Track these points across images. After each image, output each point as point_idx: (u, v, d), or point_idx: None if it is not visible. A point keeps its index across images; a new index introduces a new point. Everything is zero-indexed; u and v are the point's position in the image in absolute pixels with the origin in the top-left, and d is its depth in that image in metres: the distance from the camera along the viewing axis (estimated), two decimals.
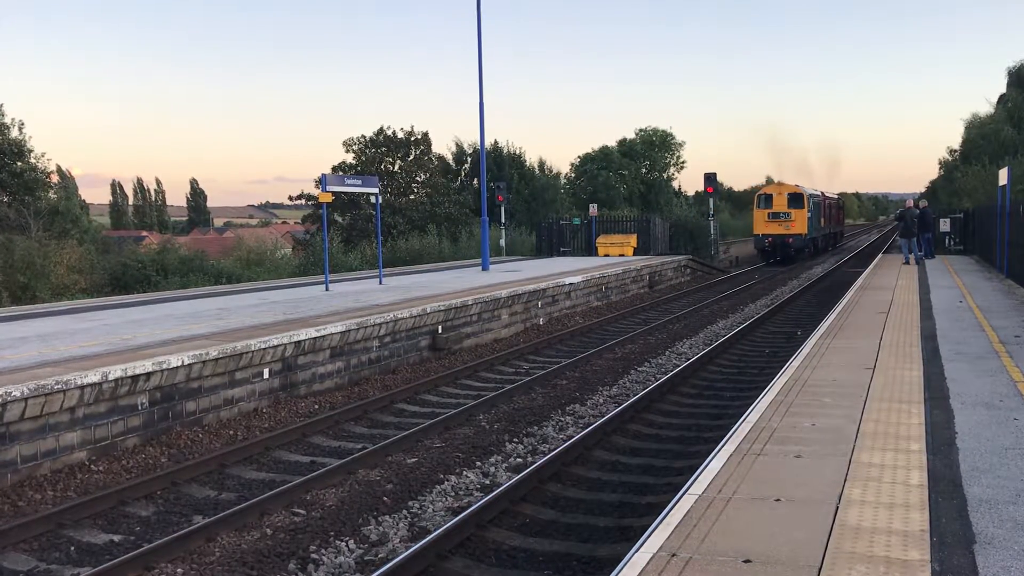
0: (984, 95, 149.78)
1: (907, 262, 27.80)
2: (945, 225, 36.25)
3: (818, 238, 45.69)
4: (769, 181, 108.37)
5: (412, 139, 48.56)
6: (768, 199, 41.91)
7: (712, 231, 40.73)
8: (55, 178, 39.65)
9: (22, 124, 31.93)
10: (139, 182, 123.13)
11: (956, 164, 59.95)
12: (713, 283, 32.38)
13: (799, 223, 41.18)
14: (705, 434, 10.59)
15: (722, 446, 6.95)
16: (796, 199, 41.42)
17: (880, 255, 36.79)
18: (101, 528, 7.90)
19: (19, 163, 30.87)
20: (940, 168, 71.45)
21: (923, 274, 24.09)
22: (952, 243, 35.98)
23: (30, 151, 31.49)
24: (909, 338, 12.44)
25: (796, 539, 4.90)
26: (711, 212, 41.09)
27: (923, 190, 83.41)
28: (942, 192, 64.26)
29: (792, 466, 6.34)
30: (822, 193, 48.80)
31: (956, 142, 64.31)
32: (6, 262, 25.15)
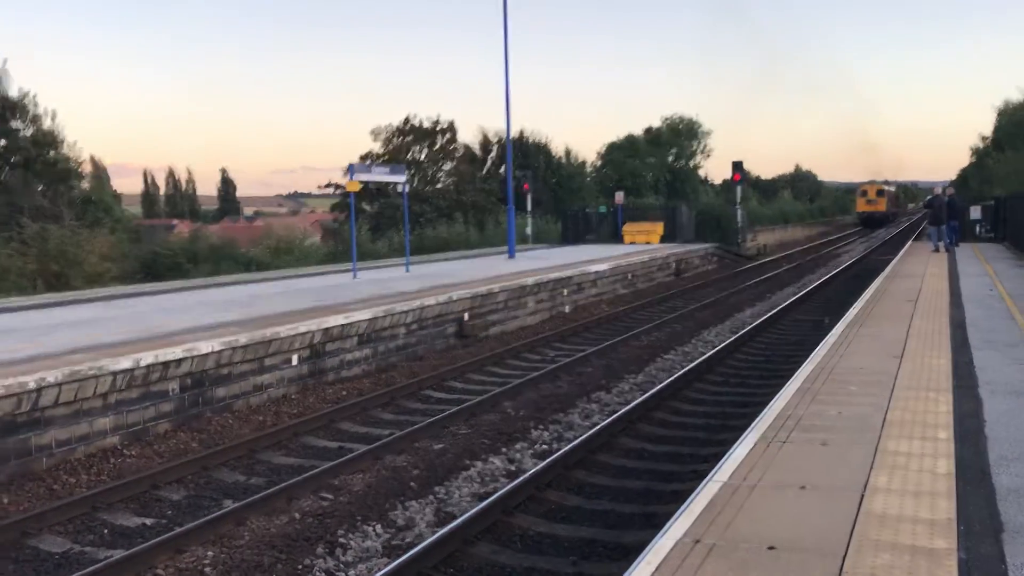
0: (1016, 83, 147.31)
1: (936, 249, 27.53)
2: (976, 212, 35.78)
3: (889, 214, 74.47)
4: (798, 169, 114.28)
5: (438, 128, 48.64)
6: (865, 192, 71.39)
7: (739, 219, 40.46)
8: (88, 168, 40.13)
9: (55, 114, 32.37)
10: (170, 172, 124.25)
11: (988, 151, 59.09)
12: (740, 271, 32.22)
13: (882, 205, 70.15)
14: (731, 422, 10.58)
15: (747, 434, 6.95)
16: (880, 192, 70.61)
17: (909, 242, 36.43)
18: (134, 512, 8.04)
19: (52, 153, 31.24)
20: (971, 155, 70.60)
21: (953, 262, 23.83)
22: (983, 231, 35.52)
23: (63, 141, 31.91)
24: (938, 326, 12.34)
25: (821, 526, 4.91)
26: (738, 200, 40.85)
27: (953, 177, 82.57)
28: (973, 179, 63.41)
29: (818, 454, 6.33)
30: (891, 186, 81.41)
31: (988, 129, 63.48)
32: (41, 251, 25.50)
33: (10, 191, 29.72)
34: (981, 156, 62.64)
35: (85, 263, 25.54)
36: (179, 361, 10.40)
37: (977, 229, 35.58)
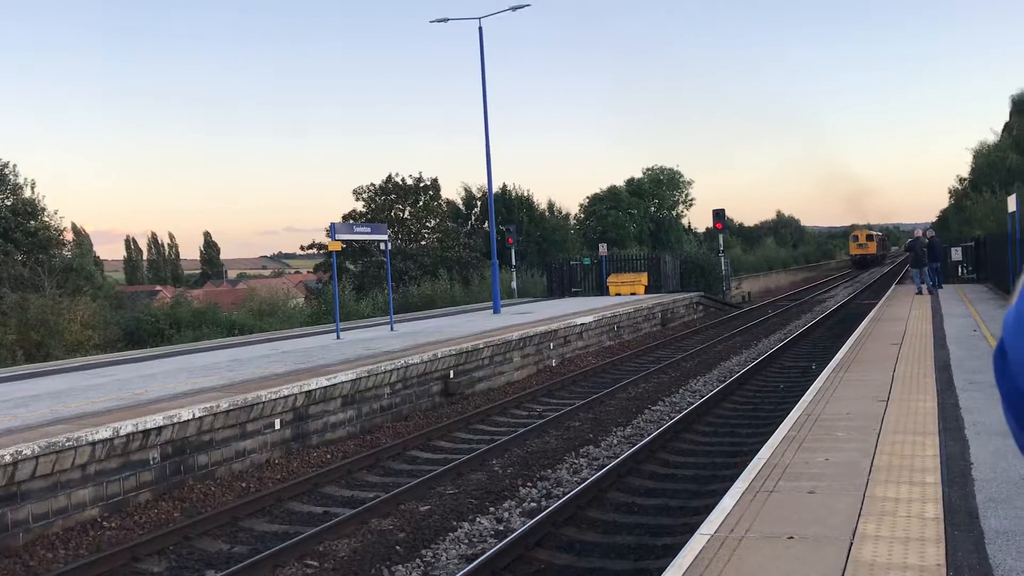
0: (989, 124, 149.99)
1: (920, 292, 27.68)
2: (957, 254, 36.09)
3: (878, 256, 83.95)
4: (780, 215, 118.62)
5: (421, 185, 48.86)
6: (856, 236, 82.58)
7: (723, 267, 40.67)
8: (69, 236, 40.04)
9: (34, 183, 32.41)
10: (153, 237, 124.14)
11: (966, 192, 59.85)
12: (726, 319, 32.27)
13: (872, 248, 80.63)
14: (721, 472, 10.49)
15: (734, 485, 6.87)
16: (870, 236, 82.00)
17: (893, 286, 36.66)
18: None
19: (32, 222, 31.20)
20: (950, 197, 71.50)
21: (936, 304, 23.95)
22: (965, 271, 35.80)
23: (43, 209, 31.89)
24: (923, 368, 12.34)
25: None
26: (721, 248, 41.10)
27: (934, 219, 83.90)
28: (953, 220, 64.12)
29: (805, 502, 6.26)
30: (878, 231, 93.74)
31: (965, 171, 64.40)
32: (20, 320, 25.30)
33: None
34: (960, 197, 63.46)
35: (66, 332, 25.34)
36: (159, 429, 10.25)
37: (959, 270, 35.85)
